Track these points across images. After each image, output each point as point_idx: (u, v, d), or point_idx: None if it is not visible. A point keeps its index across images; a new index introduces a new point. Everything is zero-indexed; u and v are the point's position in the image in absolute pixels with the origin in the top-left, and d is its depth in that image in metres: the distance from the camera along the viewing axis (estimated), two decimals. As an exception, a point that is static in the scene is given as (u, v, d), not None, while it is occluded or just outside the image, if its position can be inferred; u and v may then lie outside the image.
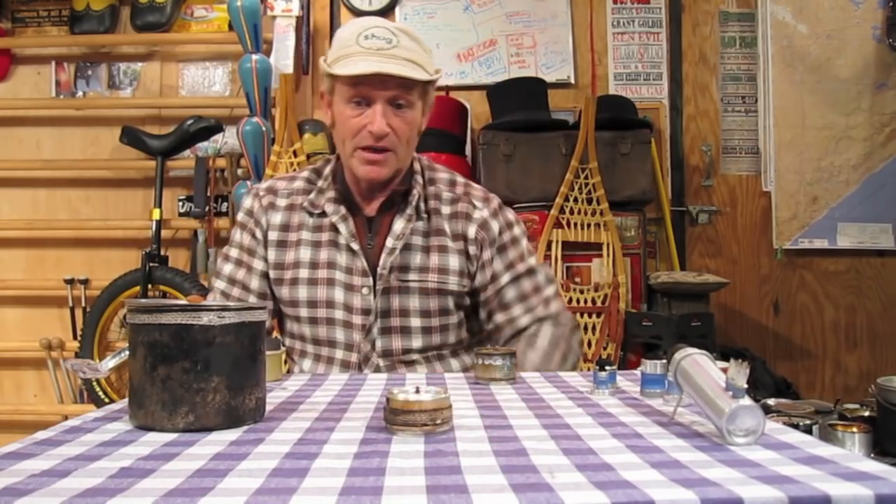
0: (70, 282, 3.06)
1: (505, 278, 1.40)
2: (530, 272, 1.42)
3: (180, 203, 3.17)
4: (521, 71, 3.16)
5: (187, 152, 3.11)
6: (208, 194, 3.04)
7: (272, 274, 1.39)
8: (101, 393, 2.92)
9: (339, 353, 1.35)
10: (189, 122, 2.92)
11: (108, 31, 3.20)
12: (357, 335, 1.34)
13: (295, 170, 2.50)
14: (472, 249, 1.38)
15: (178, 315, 0.76)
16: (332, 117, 1.35)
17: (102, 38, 3.20)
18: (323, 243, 1.37)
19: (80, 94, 3.26)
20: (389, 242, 1.34)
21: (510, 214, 1.45)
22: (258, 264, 1.40)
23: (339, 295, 1.34)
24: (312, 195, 1.39)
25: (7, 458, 0.65)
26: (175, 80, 3.26)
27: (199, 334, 0.76)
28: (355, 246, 1.34)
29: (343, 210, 1.36)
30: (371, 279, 1.34)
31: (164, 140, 2.96)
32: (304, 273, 1.36)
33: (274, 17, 3.06)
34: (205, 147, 3.12)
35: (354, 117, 1.28)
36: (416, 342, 1.35)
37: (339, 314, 1.34)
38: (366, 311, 1.33)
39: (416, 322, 1.35)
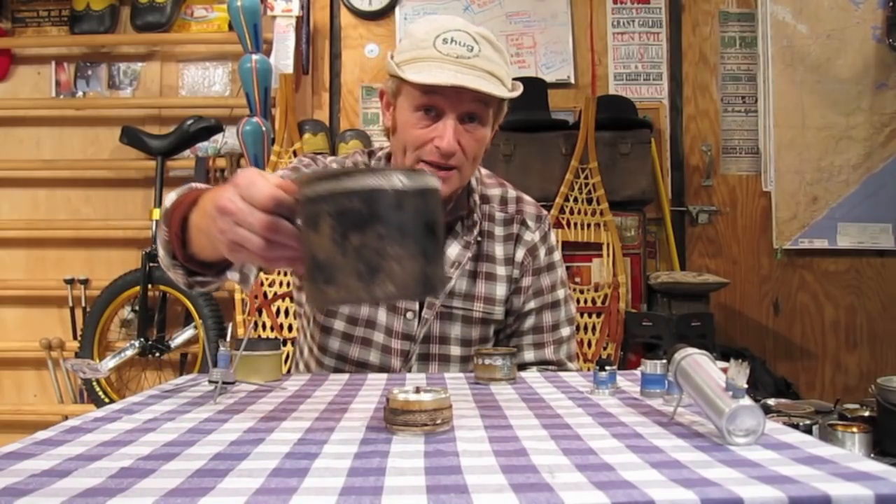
0: (70, 282, 3.06)
1: (531, 304, 1.35)
2: (555, 305, 1.36)
3: (180, 203, 3.17)
4: (521, 71, 3.17)
5: (187, 152, 3.11)
6: (208, 194, 3.04)
7: None
8: (101, 393, 2.92)
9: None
10: (189, 122, 2.92)
11: (108, 31, 3.21)
12: (395, 360, 1.28)
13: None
14: (516, 273, 1.34)
15: (370, 178, 0.69)
16: (393, 121, 1.22)
17: (102, 38, 3.21)
18: None
19: (80, 94, 3.26)
20: None
21: (553, 238, 1.40)
22: None
23: (381, 316, 1.27)
24: None
25: (7, 458, 0.65)
26: (175, 80, 3.26)
27: (393, 198, 0.70)
28: None
29: None
30: (416, 303, 1.27)
31: (164, 140, 2.96)
32: None
33: (274, 17, 3.07)
34: (205, 147, 3.13)
35: (421, 128, 1.17)
36: (454, 370, 1.30)
37: (378, 336, 1.27)
38: (407, 336, 1.27)
39: (455, 350, 1.30)
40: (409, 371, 1.29)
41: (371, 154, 1.36)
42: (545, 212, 1.40)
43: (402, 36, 1.19)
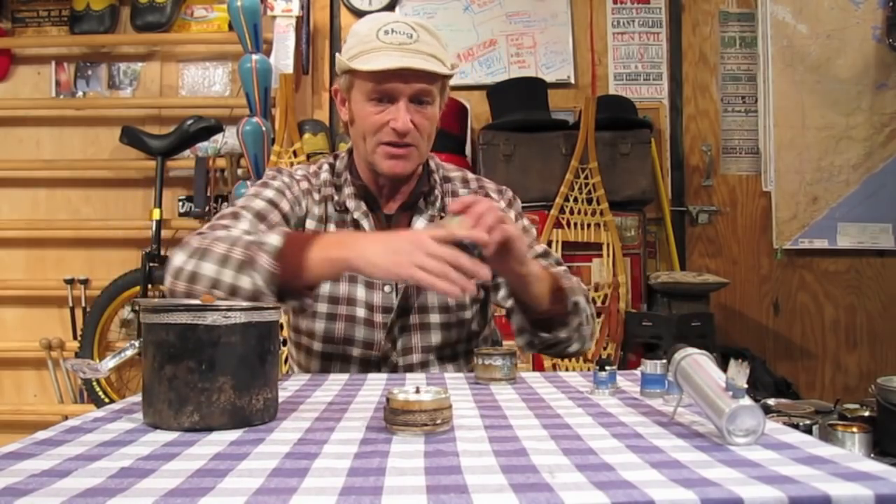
0: (70, 282, 3.06)
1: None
2: (546, 254, 1.43)
3: (180, 203, 3.17)
4: (521, 71, 3.16)
5: (187, 152, 3.11)
6: (208, 194, 3.04)
7: None
8: (101, 393, 2.92)
9: (357, 351, 1.34)
10: (189, 122, 2.92)
11: (108, 31, 3.20)
12: (378, 333, 1.33)
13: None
14: None
15: (183, 315, 0.76)
16: (350, 114, 1.33)
17: (102, 38, 3.20)
18: None
19: (80, 94, 3.26)
20: None
21: (519, 205, 1.48)
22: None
23: (360, 292, 1.33)
24: (333, 190, 1.38)
25: (7, 458, 0.65)
26: (175, 80, 3.26)
27: (204, 334, 0.76)
28: None
29: (364, 206, 1.36)
30: None
31: (164, 140, 2.96)
32: None
33: (274, 17, 3.06)
34: (205, 147, 3.12)
35: (376, 114, 1.27)
36: (435, 338, 1.35)
37: (360, 311, 1.33)
38: (387, 309, 1.33)
39: (434, 318, 1.35)
40: (393, 343, 1.33)
41: (336, 156, 1.44)
42: (505, 186, 1.48)
43: (348, 36, 1.30)
